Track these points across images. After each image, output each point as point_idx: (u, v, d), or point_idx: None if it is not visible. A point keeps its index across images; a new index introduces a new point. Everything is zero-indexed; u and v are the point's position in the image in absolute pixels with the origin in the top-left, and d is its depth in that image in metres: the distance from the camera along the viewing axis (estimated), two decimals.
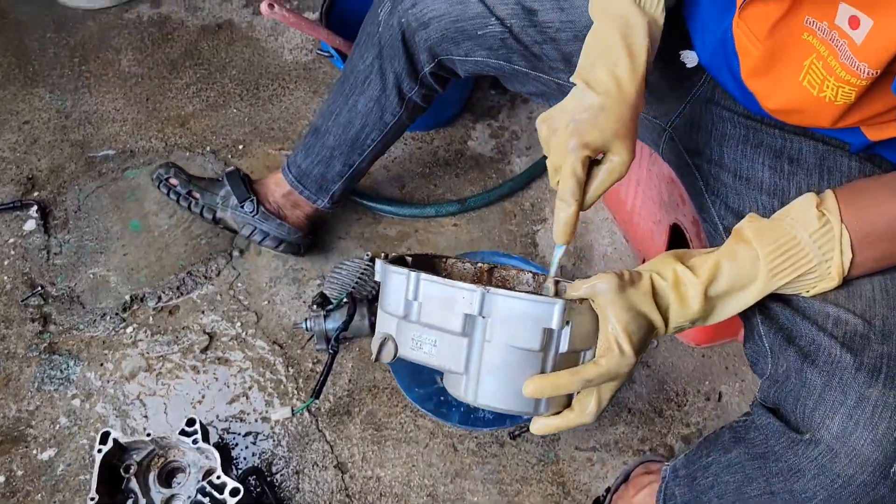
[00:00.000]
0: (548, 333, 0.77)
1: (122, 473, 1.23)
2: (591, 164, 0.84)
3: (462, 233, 1.54)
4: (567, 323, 0.77)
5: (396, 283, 0.82)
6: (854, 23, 0.71)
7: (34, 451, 1.33)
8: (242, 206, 1.41)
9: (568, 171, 0.81)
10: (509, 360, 0.78)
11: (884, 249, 0.79)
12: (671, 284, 0.79)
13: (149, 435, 1.23)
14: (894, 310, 0.81)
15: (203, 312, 1.45)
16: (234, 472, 1.27)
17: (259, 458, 1.29)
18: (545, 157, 0.86)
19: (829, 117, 0.85)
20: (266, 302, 1.46)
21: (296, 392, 1.35)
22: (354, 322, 1.36)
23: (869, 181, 0.84)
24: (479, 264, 1.02)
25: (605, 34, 0.86)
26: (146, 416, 1.35)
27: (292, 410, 1.28)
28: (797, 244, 0.78)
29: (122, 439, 1.22)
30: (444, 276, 1.03)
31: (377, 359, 0.84)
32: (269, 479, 1.27)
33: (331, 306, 1.37)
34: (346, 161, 1.31)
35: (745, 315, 0.91)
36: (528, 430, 1.29)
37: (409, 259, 0.96)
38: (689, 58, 1.03)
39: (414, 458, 1.28)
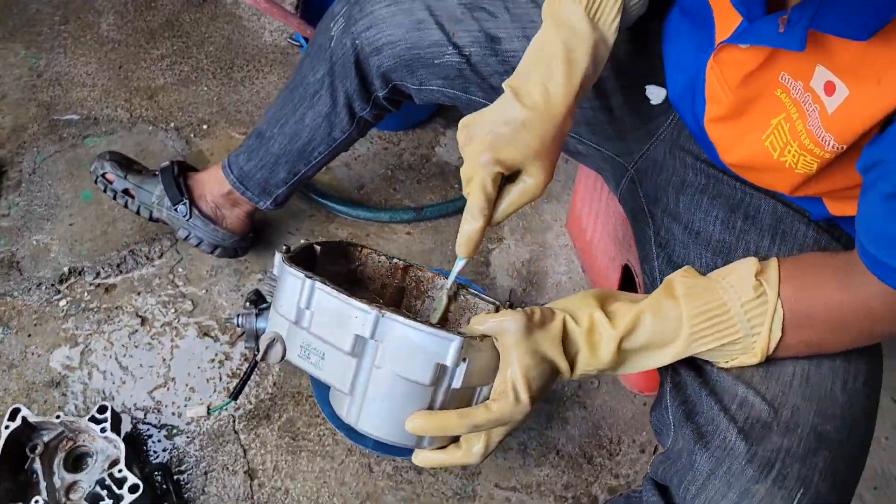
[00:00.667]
0: (441, 368, 0.72)
1: (28, 453, 1.20)
2: (507, 179, 0.80)
3: (415, 242, 1.49)
4: (464, 360, 0.72)
5: (291, 285, 0.77)
6: (829, 89, 0.65)
7: None
8: (176, 209, 1.36)
9: (477, 186, 0.78)
10: (396, 390, 0.73)
11: (816, 335, 0.74)
12: (584, 331, 0.75)
13: (58, 417, 1.20)
14: (809, 401, 0.76)
15: (139, 294, 1.41)
16: (141, 465, 1.24)
17: (170, 453, 1.26)
18: None
19: (787, 184, 0.79)
20: (204, 291, 1.42)
21: (218, 389, 1.32)
22: None
23: (819, 257, 0.79)
24: (396, 260, 0.98)
25: (549, 43, 0.80)
26: (64, 395, 1.32)
27: (208, 410, 1.24)
28: (726, 312, 0.73)
29: (32, 418, 1.19)
30: (358, 267, 0.99)
31: (262, 359, 0.80)
32: (175, 477, 1.24)
33: (264, 305, 1.33)
34: (292, 169, 1.26)
35: (661, 375, 0.86)
36: None
37: (318, 247, 0.92)
38: (655, 94, 0.97)
39: (327, 473, 1.24)
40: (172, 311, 1.40)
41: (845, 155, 0.69)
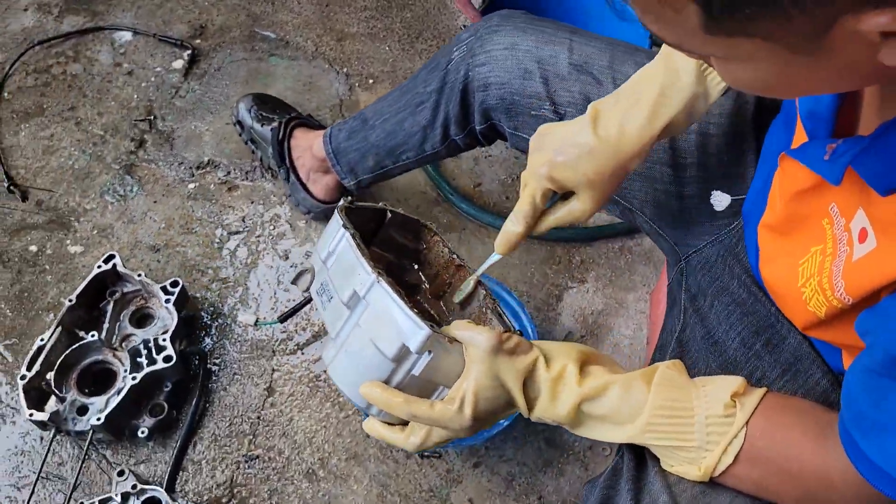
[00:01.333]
0: (405, 350, 0.77)
1: (107, 296, 1.38)
2: (563, 195, 0.86)
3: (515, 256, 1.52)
4: (428, 352, 0.76)
5: (332, 229, 0.86)
6: (863, 235, 0.63)
7: (68, 241, 1.51)
8: (271, 159, 1.48)
9: (528, 194, 0.85)
10: (365, 353, 0.79)
11: (766, 478, 0.72)
12: (551, 377, 0.77)
13: (140, 275, 1.36)
14: None
15: (252, 203, 1.56)
16: (186, 344, 1.38)
17: (214, 344, 1.39)
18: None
19: (800, 318, 0.77)
20: (304, 223, 1.54)
21: (276, 309, 1.43)
22: None
23: (808, 406, 0.76)
24: (454, 256, 1.02)
25: (648, 80, 0.83)
26: (157, 262, 1.49)
27: (256, 321, 1.37)
28: (689, 416, 0.73)
29: (120, 268, 1.37)
30: (423, 249, 1.05)
31: (294, 282, 0.89)
32: (209, 366, 1.37)
33: None
34: (380, 162, 1.32)
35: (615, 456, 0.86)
36: (439, 455, 1.30)
37: (390, 214, 0.99)
38: (719, 200, 0.96)
39: (330, 420, 1.32)
40: (271, 227, 1.53)
41: (854, 310, 0.66)
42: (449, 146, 1.23)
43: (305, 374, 1.37)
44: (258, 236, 1.52)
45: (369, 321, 0.79)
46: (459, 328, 0.77)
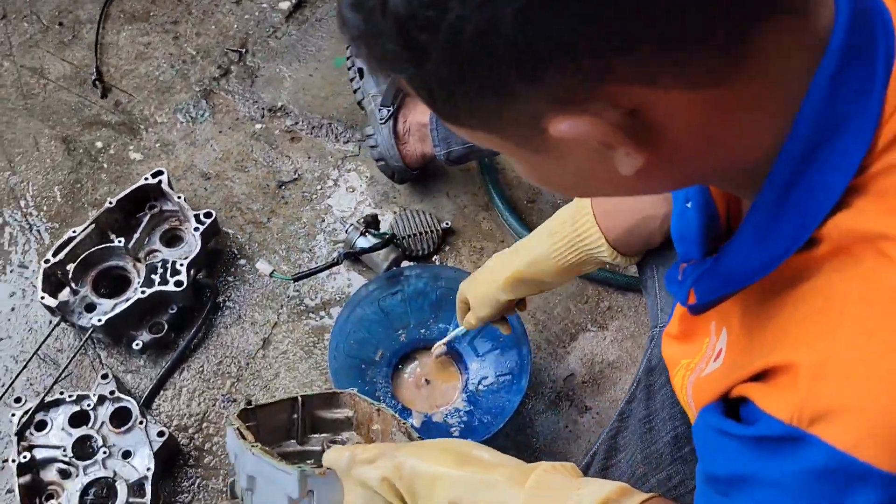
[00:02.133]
0: (294, 502, 0.77)
1: (146, 208, 1.43)
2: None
3: None
4: (310, 491, 0.77)
5: (230, 443, 0.88)
6: (718, 355, 0.61)
7: (131, 147, 1.57)
8: (380, 109, 1.47)
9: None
10: None
11: None
12: (406, 482, 0.73)
13: (180, 197, 1.41)
14: None
15: (309, 158, 1.58)
16: (202, 274, 1.41)
17: (230, 283, 1.43)
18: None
19: None
20: (352, 191, 1.55)
21: (300, 266, 1.45)
22: (373, 257, 1.41)
23: None
24: (373, 404, 0.97)
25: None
26: (205, 189, 1.53)
27: (272, 273, 1.39)
28: None
29: (165, 185, 1.41)
30: (353, 414, 1.01)
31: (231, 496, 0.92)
32: (217, 301, 1.40)
33: (374, 231, 1.43)
34: None
35: None
36: None
37: (303, 398, 0.99)
38: None
39: (312, 386, 1.34)
40: (318, 186, 1.55)
41: None
42: None
43: (303, 338, 1.38)
44: (304, 192, 1.54)
45: (261, 494, 0.80)
46: (326, 457, 0.77)
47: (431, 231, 1.47)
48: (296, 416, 0.99)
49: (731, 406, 0.54)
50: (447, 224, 1.50)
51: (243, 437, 0.83)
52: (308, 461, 0.81)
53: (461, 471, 0.71)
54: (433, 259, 1.48)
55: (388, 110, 1.46)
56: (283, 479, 0.77)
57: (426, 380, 1.34)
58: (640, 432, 0.84)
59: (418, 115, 1.46)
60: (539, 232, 1.03)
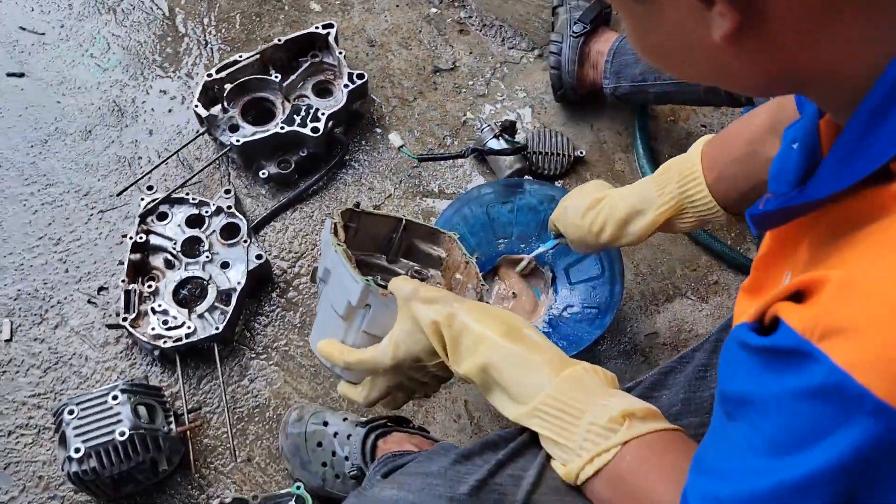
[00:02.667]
0: (350, 307, 0.82)
1: (309, 56, 1.50)
2: None
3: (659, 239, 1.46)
4: (368, 306, 0.82)
5: (327, 225, 0.90)
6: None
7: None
8: (574, 23, 1.46)
9: None
10: (326, 314, 0.88)
11: (616, 501, 0.69)
12: (453, 334, 0.76)
13: (341, 53, 1.46)
14: None
15: (471, 54, 1.59)
16: (342, 130, 1.47)
17: (363, 144, 1.48)
18: None
19: None
20: (503, 94, 1.56)
21: (426, 148, 1.49)
22: (499, 161, 1.42)
23: (689, 445, 0.69)
24: (465, 255, 0.99)
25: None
26: (367, 54, 1.58)
27: (401, 147, 1.43)
28: (575, 418, 0.70)
29: (332, 42, 1.47)
30: (446, 257, 1.03)
31: (312, 278, 0.99)
32: (344, 157, 1.46)
33: (508, 137, 1.44)
34: (643, 72, 1.33)
35: None
36: None
37: (406, 223, 1.00)
38: None
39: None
40: (470, 82, 1.56)
41: None
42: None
43: (410, 216, 1.43)
44: (455, 84, 1.56)
45: (330, 288, 0.86)
46: (392, 282, 0.80)
47: (564, 154, 1.46)
48: (395, 235, 1.02)
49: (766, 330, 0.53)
50: (581, 152, 1.49)
51: (335, 234, 0.87)
52: (380, 279, 0.86)
53: (506, 341, 0.74)
54: (556, 182, 1.48)
55: (584, 27, 1.46)
56: (350, 284, 0.81)
57: (513, 293, 1.36)
58: (692, 377, 0.83)
59: (601, 43, 1.45)
60: (645, 179, 1.04)
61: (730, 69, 0.49)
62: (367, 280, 0.80)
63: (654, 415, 0.69)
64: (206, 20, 1.60)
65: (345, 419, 1.19)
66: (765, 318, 0.51)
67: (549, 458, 0.73)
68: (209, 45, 1.58)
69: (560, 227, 1.13)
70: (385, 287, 0.81)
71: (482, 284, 0.94)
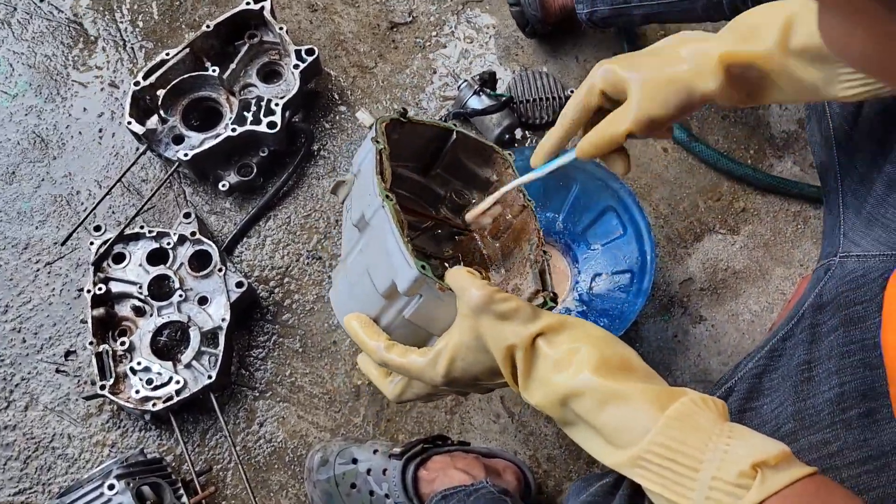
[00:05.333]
0: (394, 288, 0.67)
1: (245, 37, 1.29)
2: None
3: (673, 172, 1.31)
4: (419, 296, 0.66)
5: (366, 143, 0.76)
6: None
7: None
8: None
9: (577, 92, 0.75)
10: (362, 282, 0.71)
11: None
12: (552, 356, 0.61)
13: (282, 29, 1.27)
14: None
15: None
16: (301, 117, 1.29)
17: (328, 127, 1.30)
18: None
19: None
20: (469, 42, 1.37)
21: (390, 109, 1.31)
22: (485, 120, 1.25)
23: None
24: (522, 195, 0.81)
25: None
26: (311, 22, 1.38)
27: (371, 125, 1.25)
28: (692, 470, 0.55)
29: (268, 15, 1.27)
30: (496, 180, 0.86)
31: (332, 191, 0.80)
32: (310, 148, 1.29)
33: (490, 91, 1.27)
34: None
35: None
36: None
37: (457, 134, 0.82)
38: None
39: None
40: (433, 32, 1.38)
41: None
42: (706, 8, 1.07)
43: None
44: (417, 38, 1.37)
45: (370, 249, 0.71)
46: (452, 276, 0.64)
47: (554, 98, 1.30)
48: (444, 147, 0.83)
49: None
50: (572, 91, 1.32)
51: (381, 175, 0.70)
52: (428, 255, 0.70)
53: (596, 371, 0.59)
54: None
55: None
56: (399, 264, 0.65)
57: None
58: (796, 380, 0.69)
59: None
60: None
61: None
62: (423, 267, 0.64)
63: (786, 458, 0.54)
64: (118, 15, 1.38)
65: (375, 451, 1.05)
66: None
67: None
68: (128, 45, 1.36)
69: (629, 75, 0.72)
70: (441, 278, 0.65)
71: (543, 251, 0.77)
